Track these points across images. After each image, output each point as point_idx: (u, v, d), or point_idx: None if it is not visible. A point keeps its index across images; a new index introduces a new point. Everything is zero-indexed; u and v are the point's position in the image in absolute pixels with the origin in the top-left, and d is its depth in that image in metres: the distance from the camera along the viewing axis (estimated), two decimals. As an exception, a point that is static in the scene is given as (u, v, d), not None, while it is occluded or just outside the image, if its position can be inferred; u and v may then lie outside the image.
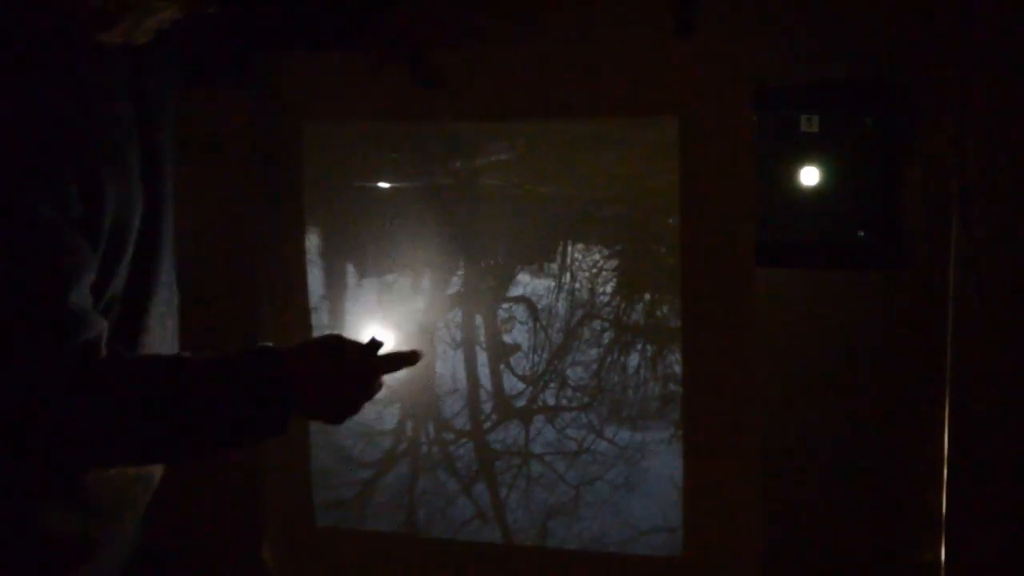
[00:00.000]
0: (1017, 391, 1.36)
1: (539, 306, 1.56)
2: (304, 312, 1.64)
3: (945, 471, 1.37)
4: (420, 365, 1.55)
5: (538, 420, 1.56)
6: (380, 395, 1.63)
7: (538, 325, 1.55)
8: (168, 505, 1.81)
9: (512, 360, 1.57)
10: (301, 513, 1.63)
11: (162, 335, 1.33)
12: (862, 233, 1.38)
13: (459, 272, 1.61)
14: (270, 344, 1.28)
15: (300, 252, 1.62)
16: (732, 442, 1.37)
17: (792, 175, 1.39)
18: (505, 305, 1.58)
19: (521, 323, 1.57)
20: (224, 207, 1.71)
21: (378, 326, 1.63)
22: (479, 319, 1.60)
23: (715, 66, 1.27)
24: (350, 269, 1.72)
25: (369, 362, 1.34)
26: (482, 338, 1.59)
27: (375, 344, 1.37)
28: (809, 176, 1.39)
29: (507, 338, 1.58)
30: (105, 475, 1.26)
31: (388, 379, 1.61)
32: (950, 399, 1.37)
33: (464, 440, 1.61)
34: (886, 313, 1.41)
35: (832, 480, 1.46)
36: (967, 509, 1.37)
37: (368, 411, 1.64)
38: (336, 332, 1.46)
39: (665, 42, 1.34)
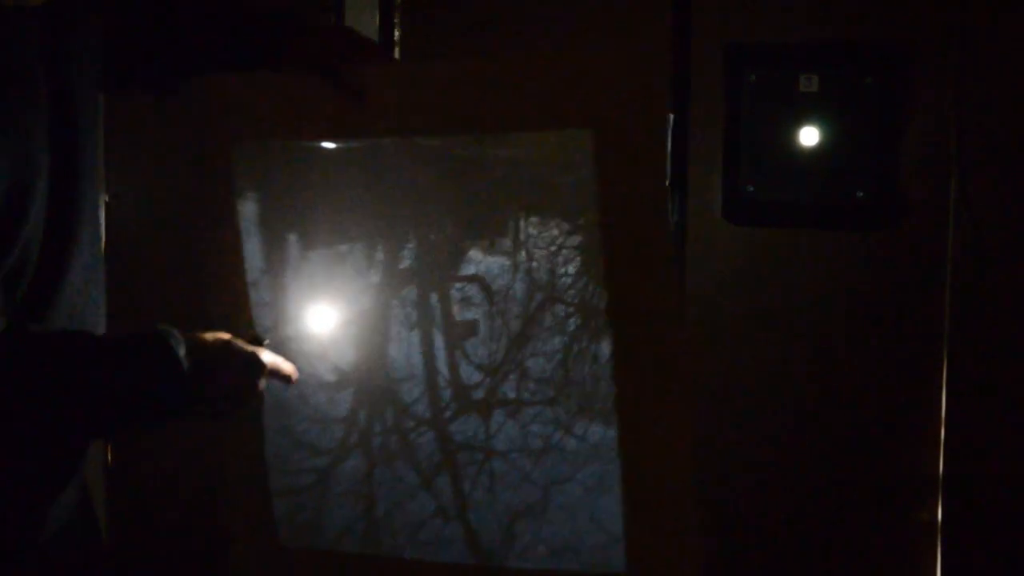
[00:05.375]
0: (1016, 352, 1.36)
1: (494, 287, 1.37)
2: (242, 289, 1.52)
3: (943, 431, 1.37)
4: (372, 347, 1.46)
5: (500, 414, 1.40)
6: (331, 379, 1.53)
7: (494, 309, 1.37)
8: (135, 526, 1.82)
9: (468, 346, 1.40)
10: (264, 534, 1.56)
11: (83, 302, 1.27)
12: (861, 193, 1.37)
13: (409, 245, 1.44)
14: (166, 327, 1.25)
15: (234, 233, 1.51)
16: (668, 449, 1.31)
17: (791, 135, 1.36)
18: (458, 285, 1.40)
19: (476, 305, 1.39)
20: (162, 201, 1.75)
21: (326, 304, 1.50)
22: (434, 298, 1.43)
23: (626, 76, 1.25)
24: (292, 239, 1.56)
25: (257, 352, 1.31)
26: (438, 319, 1.43)
27: (260, 339, 1.36)
28: (808, 136, 1.36)
29: (462, 322, 1.41)
30: None
31: (340, 363, 1.52)
32: (948, 360, 1.37)
33: (424, 429, 1.46)
34: (884, 273, 1.41)
35: (829, 443, 1.46)
36: (965, 469, 1.39)
37: (320, 395, 1.53)
38: (278, 308, 1.47)
39: (577, 53, 1.31)
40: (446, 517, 1.45)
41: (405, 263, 1.45)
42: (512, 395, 1.38)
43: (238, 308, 1.51)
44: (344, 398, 1.52)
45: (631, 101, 1.24)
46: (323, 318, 1.49)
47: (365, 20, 1.48)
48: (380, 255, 1.47)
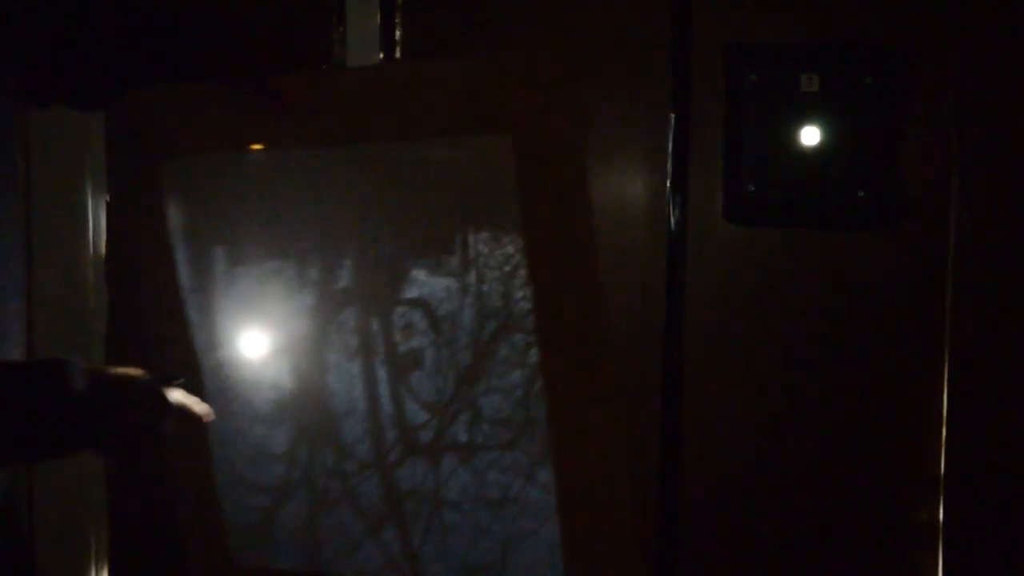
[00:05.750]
0: (1016, 352, 1.34)
1: (439, 313, 1.20)
2: (177, 309, 1.40)
3: (944, 431, 1.35)
4: (308, 377, 1.33)
5: (451, 459, 1.23)
6: (266, 412, 1.38)
7: (440, 339, 1.20)
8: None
9: (413, 380, 1.23)
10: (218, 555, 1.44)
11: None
12: (861, 193, 1.35)
13: (345, 263, 1.27)
14: (69, 357, 1.19)
15: (167, 249, 1.40)
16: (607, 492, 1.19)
17: (791, 135, 1.36)
18: (400, 309, 1.23)
19: (420, 334, 1.21)
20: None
21: (257, 328, 1.36)
22: (375, 324, 1.26)
23: (547, 84, 1.19)
24: (220, 255, 1.40)
25: (165, 391, 1.24)
26: (380, 348, 1.26)
27: (172, 377, 1.27)
28: (809, 136, 1.35)
29: (406, 352, 1.23)
30: None
31: (276, 394, 1.38)
32: (948, 360, 1.36)
33: (368, 473, 1.30)
34: (884, 273, 1.38)
35: (829, 443, 1.43)
36: (967, 469, 1.35)
37: (256, 429, 1.39)
38: (207, 331, 1.40)
39: (497, 62, 1.25)
40: (398, 571, 1.28)
41: (341, 283, 1.28)
42: (464, 438, 1.20)
43: (176, 329, 1.42)
44: (281, 433, 1.36)
45: (548, 106, 1.18)
46: (255, 343, 1.36)
47: (366, 20, 1.49)
48: (314, 273, 1.30)
